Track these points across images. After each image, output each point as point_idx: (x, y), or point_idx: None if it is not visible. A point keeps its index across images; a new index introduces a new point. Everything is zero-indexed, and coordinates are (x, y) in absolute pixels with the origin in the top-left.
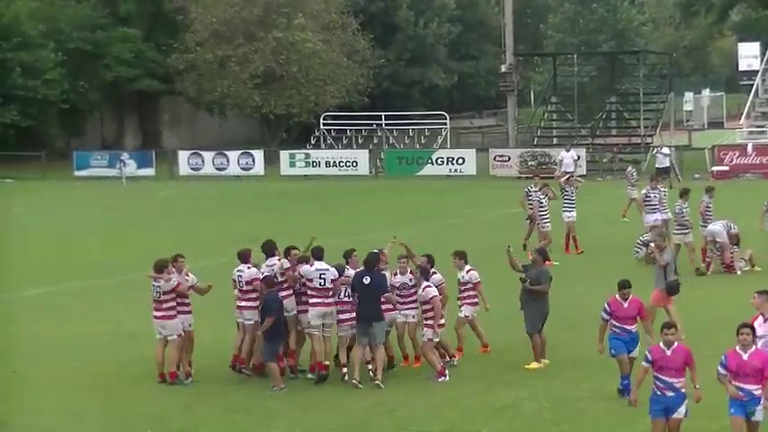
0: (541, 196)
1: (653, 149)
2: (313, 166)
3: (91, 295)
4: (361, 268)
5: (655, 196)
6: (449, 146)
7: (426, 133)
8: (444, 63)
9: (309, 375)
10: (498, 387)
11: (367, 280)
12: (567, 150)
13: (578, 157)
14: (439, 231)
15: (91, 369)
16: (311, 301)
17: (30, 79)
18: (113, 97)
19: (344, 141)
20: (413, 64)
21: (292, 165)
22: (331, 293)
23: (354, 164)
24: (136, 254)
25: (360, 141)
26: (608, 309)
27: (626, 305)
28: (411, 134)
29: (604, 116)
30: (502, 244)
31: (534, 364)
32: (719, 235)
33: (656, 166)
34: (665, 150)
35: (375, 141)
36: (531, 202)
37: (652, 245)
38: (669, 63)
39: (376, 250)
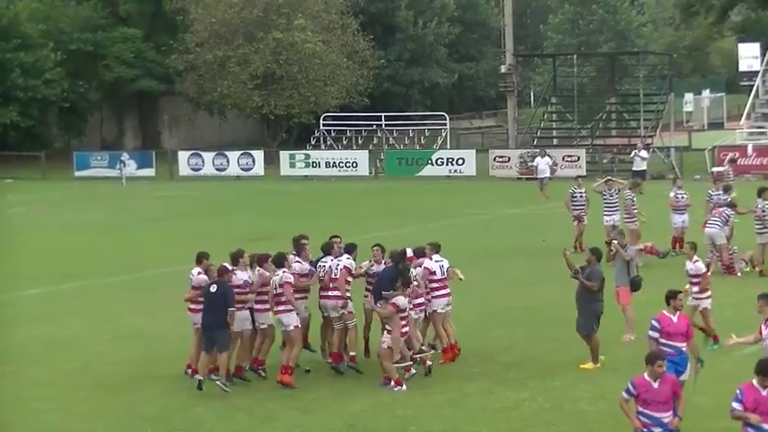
0: (632, 195)
1: (631, 152)
2: (313, 167)
3: (91, 295)
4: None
5: (682, 196)
6: (449, 146)
7: (426, 134)
8: (444, 64)
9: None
10: (499, 388)
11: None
12: (542, 156)
13: (550, 164)
14: (438, 231)
15: (92, 369)
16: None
17: (30, 79)
18: (113, 97)
19: (344, 142)
20: (413, 64)
21: (292, 165)
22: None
23: (354, 164)
24: (136, 254)
25: (360, 142)
26: (657, 325)
27: (676, 319)
28: (411, 135)
29: (604, 117)
30: (501, 244)
31: (590, 364)
32: (718, 237)
33: (633, 168)
34: (643, 154)
35: (375, 142)
36: (575, 203)
37: (615, 242)
38: (669, 64)
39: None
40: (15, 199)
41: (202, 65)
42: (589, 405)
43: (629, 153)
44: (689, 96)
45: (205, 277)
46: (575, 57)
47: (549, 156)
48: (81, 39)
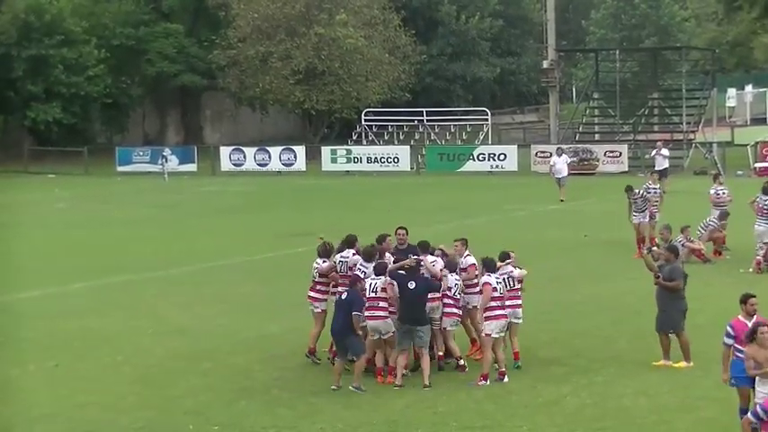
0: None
1: (652, 151)
2: (354, 162)
3: (134, 290)
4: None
5: (724, 193)
6: (490, 142)
7: (468, 129)
8: (486, 58)
9: None
10: (540, 383)
11: (412, 285)
12: (559, 155)
13: (570, 161)
14: (479, 227)
15: (134, 363)
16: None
17: (73, 76)
18: (156, 93)
19: (386, 137)
20: (455, 59)
21: (333, 161)
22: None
23: (396, 160)
24: (178, 249)
25: (401, 137)
26: (731, 332)
27: (750, 325)
28: (452, 130)
29: (646, 112)
30: (541, 240)
31: (683, 363)
32: (766, 235)
33: (655, 168)
34: (665, 152)
35: (416, 137)
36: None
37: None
38: (712, 59)
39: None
40: (58, 194)
41: (244, 60)
42: (632, 401)
43: (670, 147)
44: (732, 92)
45: (358, 258)
46: (617, 52)
47: (566, 154)
48: (124, 34)
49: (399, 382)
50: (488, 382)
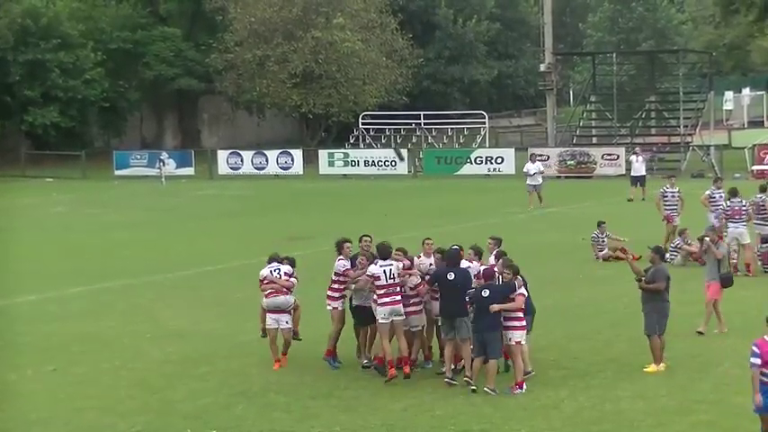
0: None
1: (631, 156)
2: (352, 166)
3: (132, 293)
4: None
5: (720, 197)
6: (488, 145)
7: (465, 132)
8: (483, 62)
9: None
10: (538, 386)
11: (451, 276)
12: (533, 162)
13: (542, 170)
14: (476, 230)
15: (132, 367)
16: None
17: (70, 79)
18: (153, 96)
19: (383, 141)
20: (452, 62)
21: (331, 164)
22: (399, 288)
23: (393, 163)
24: (176, 253)
25: (398, 141)
26: (756, 350)
27: None
28: (450, 133)
29: (644, 115)
30: (538, 243)
31: (653, 367)
32: (744, 236)
33: (632, 174)
34: (640, 159)
35: (414, 141)
36: (666, 202)
37: (707, 239)
38: (709, 62)
39: (456, 246)
40: (56, 198)
41: (242, 64)
42: (629, 404)
43: (667, 151)
44: (729, 94)
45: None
46: (614, 55)
47: (540, 160)
48: (121, 38)
49: (450, 375)
50: (524, 390)
